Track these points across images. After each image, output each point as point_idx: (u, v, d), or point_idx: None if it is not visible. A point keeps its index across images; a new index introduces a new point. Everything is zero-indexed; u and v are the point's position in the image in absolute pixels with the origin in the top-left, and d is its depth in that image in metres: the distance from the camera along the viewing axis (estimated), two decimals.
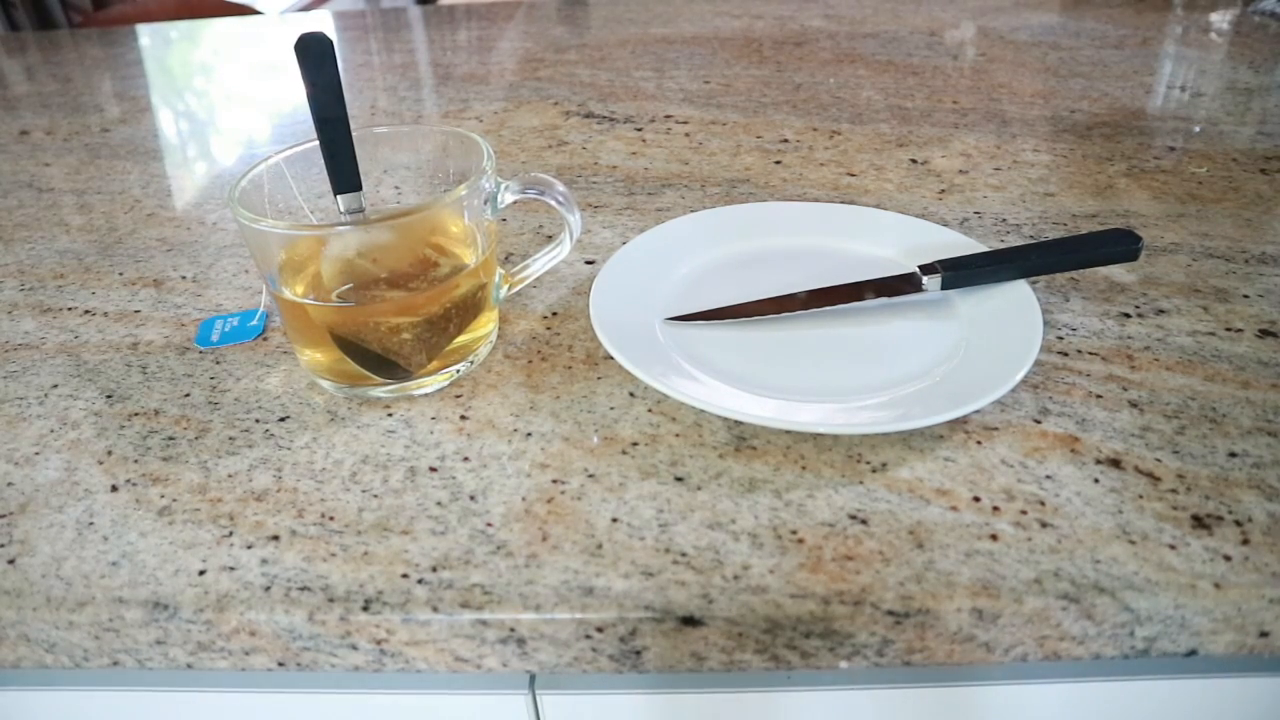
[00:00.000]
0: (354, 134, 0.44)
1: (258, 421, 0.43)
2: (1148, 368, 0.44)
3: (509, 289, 0.49)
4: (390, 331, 0.43)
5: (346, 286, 0.43)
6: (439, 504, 0.38)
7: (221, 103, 0.89)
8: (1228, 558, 0.34)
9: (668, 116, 0.77)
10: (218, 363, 0.48)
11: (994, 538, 0.35)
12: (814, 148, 0.70)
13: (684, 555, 0.35)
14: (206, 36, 1.14)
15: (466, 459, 0.40)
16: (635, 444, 0.41)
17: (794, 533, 0.36)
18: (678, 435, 0.41)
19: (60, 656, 0.36)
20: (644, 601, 0.33)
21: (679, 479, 0.39)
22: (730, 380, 0.43)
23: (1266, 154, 0.65)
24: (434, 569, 0.35)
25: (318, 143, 0.44)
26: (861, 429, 0.39)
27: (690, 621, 0.33)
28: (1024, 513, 0.36)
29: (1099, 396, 0.42)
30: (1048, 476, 0.38)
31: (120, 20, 1.43)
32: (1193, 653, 0.34)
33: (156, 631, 0.35)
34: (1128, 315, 0.48)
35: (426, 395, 0.44)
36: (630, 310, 0.47)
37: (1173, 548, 0.34)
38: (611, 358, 0.45)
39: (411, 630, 0.34)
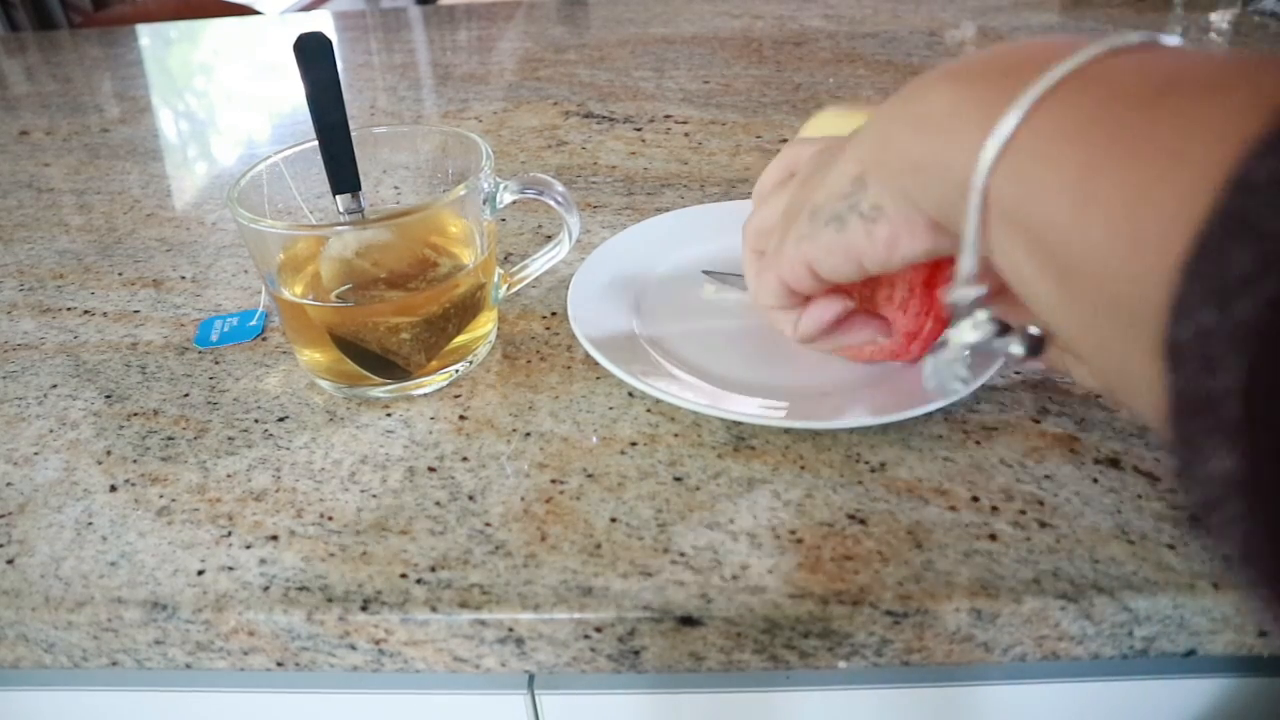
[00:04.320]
0: (353, 134, 0.44)
1: (257, 421, 0.44)
2: None
3: (508, 289, 0.49)
4: (389, 331, 0.43)
5: (345, 287, 0.43)
6: (438, 504, 0.38)
7: (221, 103, 0.90)
8: (1227, 557, 0.34)
9: (667, 116, 0.77)
10: (217, 363, 0.48)
11: (993, 537, 0.35)
12: None
13: (682, 555, 0.35)
14: (206, 36, 1.14)
15: (465, 459, 0.40)
16: (634, 444, 0.41)
17: (793, 533, 0.36)
18: (676, 435, 0.41)
19: (59, 656, 0.36)
20: (642, 601, 0.33)
21: (678, 479, 0.39)
22: (716, 378, 0.43)
23: None
24: (432, 569, 0.35)
25: (317, 143, 0.44)
26: (849, 422, 0.39)
27: (689, 621, 0.33)
28: (1023, 512, 0.36)
29: (1098, 396, 0.42)
30: (1046, 476, 0.38)
31: (120, 20, 1.43)
32: (1191, 653, 0.34)
33: (155, 631, 0.35)
34: None
35: (425, 395, 0.44)
36: (609, 309, 0.48)
37: (1171, 547, 0.34)
38: None
39: (410, 630, 0.34)
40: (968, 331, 0.28)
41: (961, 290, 0.27)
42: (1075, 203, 0.21)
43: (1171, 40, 0.24)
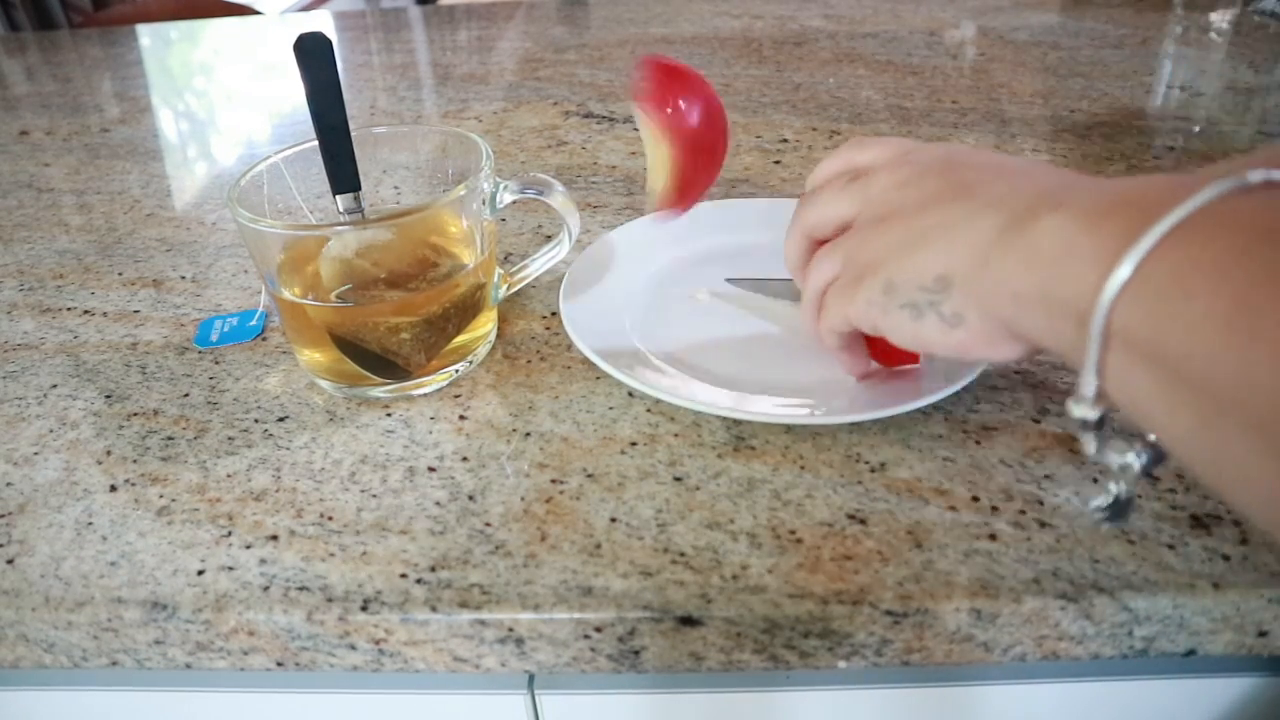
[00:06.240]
0: (353, 134, 0.44)
1: (257, 421, 0.44)
2: None
3: (508, 289, 0.49)
4: (389, 331, 0.43)
5: (345, 287, 0.43)
6: (438, 504, 0.38)
7: (221, 103, 0.90)
8: (1226, 557, 0.34)
9: None
10: (217, 363, 0.48)
11: (993, 537, 0.35)
12: (814, 148, 0.70)
13: (682, 555, 0.35)
14: (206, 36, 1.14)
15: (465, 459, 0.40)
16: (634, 444, 0.41)
17: (792, 532, 0.36)
18: (676, 435, 0.41)
19: (59, 656, 0.36)
20: (642, 601, 0.33)
21: (678, 479, 0.39)
22: (715, 377, 0.43)
23: None
24: (432, 569, 0.35)
25: (317, 143, 0.44)
26: (849, 418, 0.39)
27: (689, 621, 0.33)
28: (1022, 512, 0.36)
29: None
30: (1046, 476, 0.38)
31: (120, 20, 1.43)
32: (1191, 653, 0.34)
33: (155, 631, 0.35)
34: None
35: (425, 395, 0.44)
36: (603, 309, 0.48)
37: (1171, 547, 0.34)
38: None
39: (410, 630, 0.34)
40: (1116, 460, 0.28)
41: (1082, 410, 0.27)
42: (1228, 336, 0.22)
43: None
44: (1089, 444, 0.28)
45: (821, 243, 0.38)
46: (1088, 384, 0.26)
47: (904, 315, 0.33)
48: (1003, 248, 0.29)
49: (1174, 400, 0.24)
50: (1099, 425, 0.27)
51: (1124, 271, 0.24)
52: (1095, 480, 0.37)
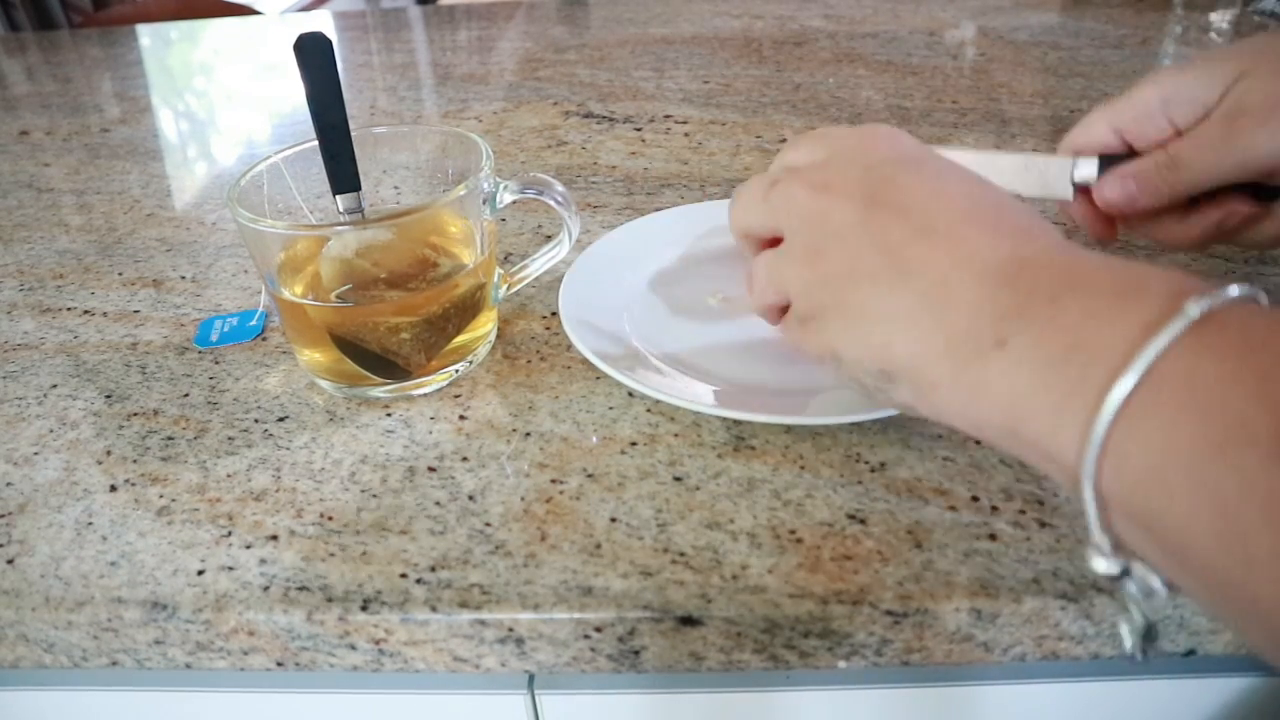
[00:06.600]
0: (353, 134, 0.44)
1: (257, 421, 0.44)
2: None
3: (508, 289, 0.49)
4: (389, 331, 0.43)
5: (345, 287, 0.43)
6: (438, 504, 0.38)
7: (221, 103, 0.90)
8: None
9: (667, 116, 0.77)
10: (217, 363, 0.48)
11: (992, 537, 0.35)
12: None
13: (682, 555, 0.35)
14: (206, 36, 1.14)
15: (465, 459, 0.40)
16: (634, 444, 0.41)
17: (792, 532, 0.36)
18: (676, 435, 0.41)
19: (59, 656, 0.36)
20: (642, 601, 0.33)
21: (678, 479, 0.39)
22: (715, 377, 0.43)
23: None
24: (432, 569, 0.35)
25: (317, 143, 0.44)
26: (849, 418, 0.39)
27: (689, 621, 0.33)
28: (1022, 512, 0.36)
29: None
30: (1046, 476, 0.38)
31: (120, 20, 1.43)
32: (1191, 652, 0.34)
33: (155, 631, 0.35)
34: None
35: (425, 395, 0.44)
36: (603, 309, 0.48)
37: None
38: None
39: (410, 630, 0.34)
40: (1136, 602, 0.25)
41: (1104, 566, 0.24)
42: (1218, 552, 0.20)
43: (1256, 295, 0.22)
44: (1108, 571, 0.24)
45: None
46: (1100, 540, 0.24)
47: (856, 386, 0.31)
48: (951, 372, 0.26)
49: (1181, 576, 0.22)
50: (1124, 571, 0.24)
51: (1095, 442, 0.22)
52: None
